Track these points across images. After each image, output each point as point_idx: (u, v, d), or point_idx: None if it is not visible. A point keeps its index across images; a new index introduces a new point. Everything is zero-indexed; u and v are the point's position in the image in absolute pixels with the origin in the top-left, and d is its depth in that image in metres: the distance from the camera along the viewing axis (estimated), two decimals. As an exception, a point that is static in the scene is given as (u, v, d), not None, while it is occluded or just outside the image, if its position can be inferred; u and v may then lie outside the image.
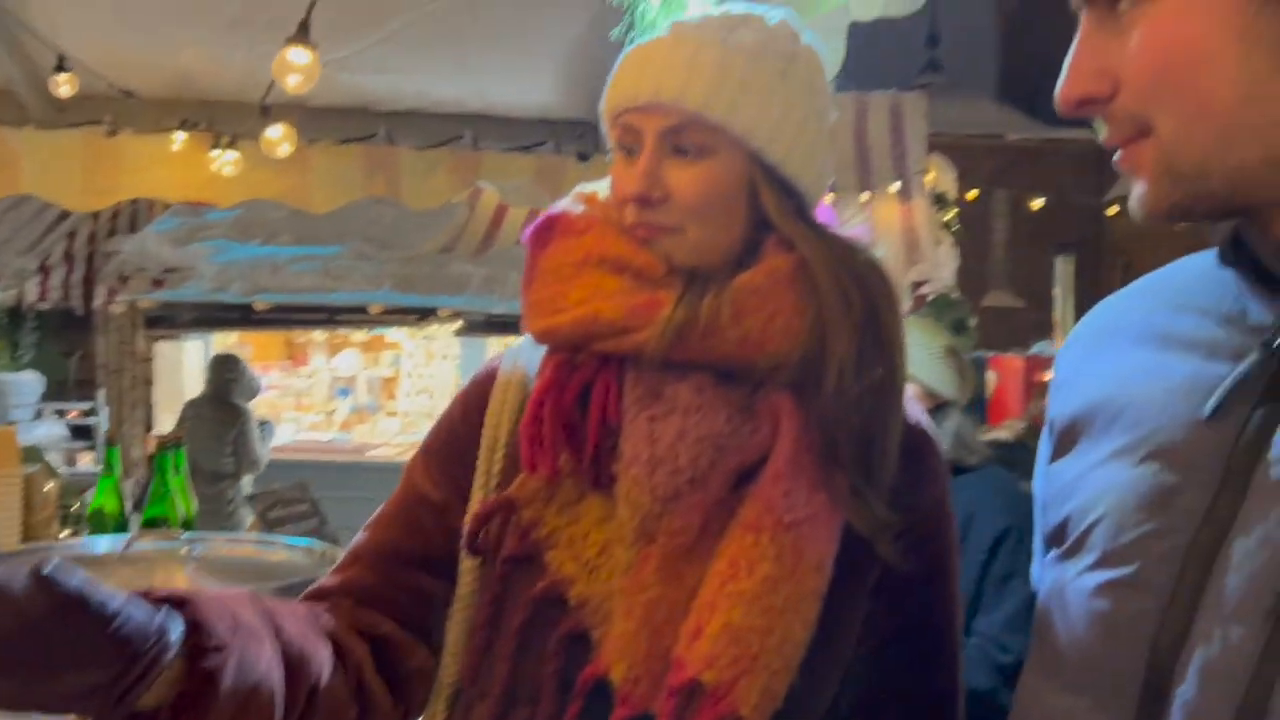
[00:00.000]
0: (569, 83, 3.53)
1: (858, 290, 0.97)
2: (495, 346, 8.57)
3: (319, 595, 1.06)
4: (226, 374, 5.46)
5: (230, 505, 5.20)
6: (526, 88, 3.53)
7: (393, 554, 1.06)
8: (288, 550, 2.18)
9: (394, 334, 8.76)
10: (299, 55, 2.27)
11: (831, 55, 2.27)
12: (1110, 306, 0.88)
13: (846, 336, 0.95)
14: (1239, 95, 0.64)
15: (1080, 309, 18.48)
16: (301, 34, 2.25)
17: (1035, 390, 14.83)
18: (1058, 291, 15.62)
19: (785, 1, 2.03)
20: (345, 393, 8.85)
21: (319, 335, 8.89)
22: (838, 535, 0.96)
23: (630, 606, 0.93)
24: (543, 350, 1.05)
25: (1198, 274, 0.78)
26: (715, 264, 0.98)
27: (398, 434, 8.49)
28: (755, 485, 0.94)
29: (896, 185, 6.68)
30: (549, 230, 1.03)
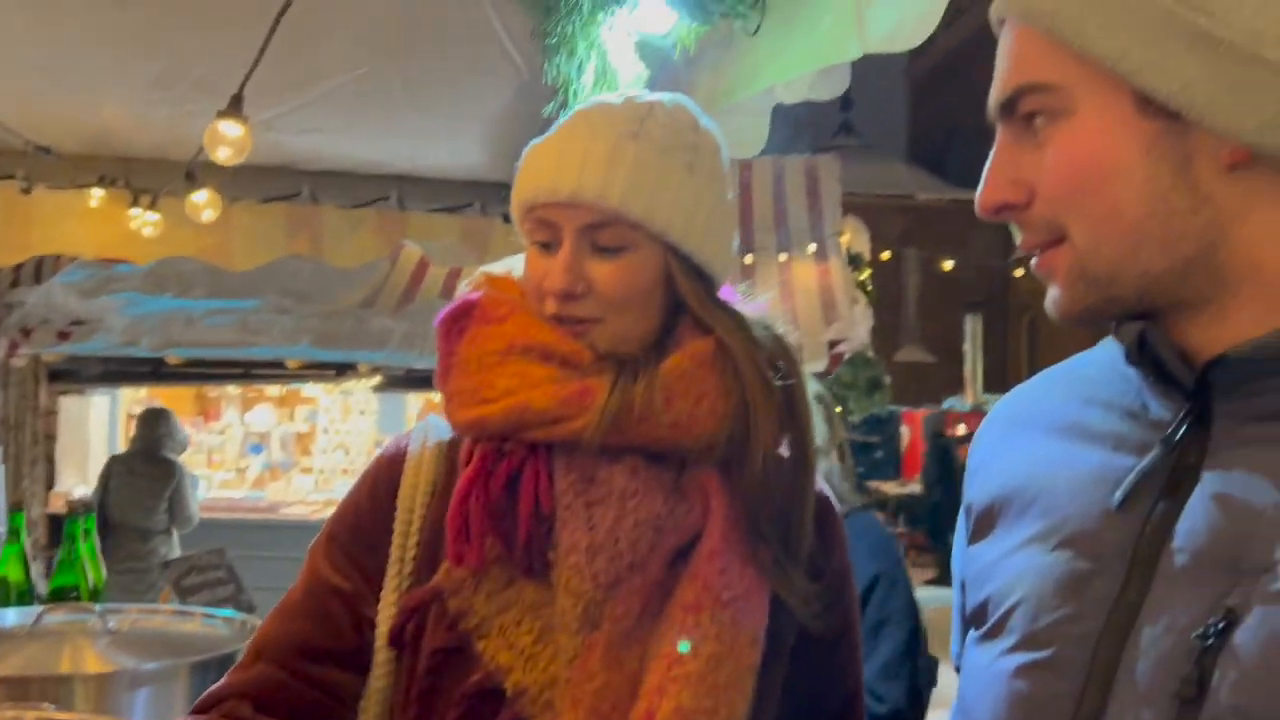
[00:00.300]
0: (497, 147, 3.57)
1: (773, 370, 1.02)
2: (415, 402, 8.49)
3: (216, 699, 1.03)
4: (159, 429, 5.33)
5: (163, 563, 5.04)
6: (455, 151, 3.56)
7: (299, 647, 1.04)
8: (206, 621, 2.13)
9: (310, 389, 8.60)
10: (230, 128, 2.27)
11: (756, 135, 2.36)
12: (1021, 395, 0.93)
13: (769, 417, 1.00)
14: (1145, 208, 0.70)
15: (989, 364, 19.09)
16: (234, 106, 2.25)
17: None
18: (967, 348, 16.12)
19: (716, 84, 2.11)
20: (258, 449, 8.64)
21: (232, 390, 8.68)
22: (767, 607, 1.00)
23: (578, 696, 0.94)
24: (447, 430, 1.07)
25: (1103, 368, 0.83)
26: (635, 349, 1.01)
27: (313, 491, 8.31)
28: (691, 564, 0.98)
29: (813, 246, 6.86)
30: (464, 318, 1.04)
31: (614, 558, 0.96)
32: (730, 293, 1.09)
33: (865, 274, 8.02)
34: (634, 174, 0.98)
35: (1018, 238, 0.79)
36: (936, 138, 31.53)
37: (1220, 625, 0.66)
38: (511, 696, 0.96)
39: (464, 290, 1.08)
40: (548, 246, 1.00)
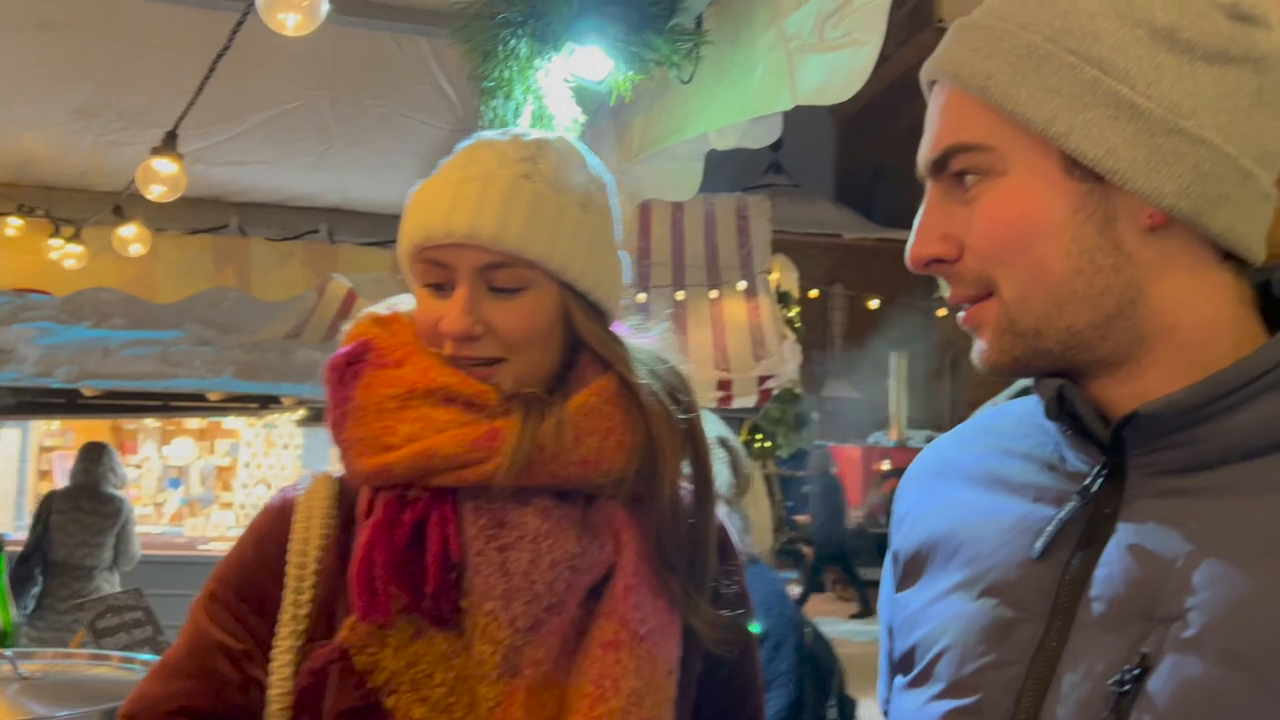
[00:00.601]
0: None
1: (674, 403, 1.03)
2: (341, 435, 8.32)
3: None
4: (102, 464, 5.11)
5: None
6: (387, 184, 3.54)
7: (180, 710, 1.00)
8: (122, 666, 2.07)
9: (232, 422, 8.41)
10: (165, 165, 2.23)
11: (689, 180, 2.40)
12: (943, 447, 0.96)
13: (674, 449, 1.01)
14: (1071, 265, 0.73)
15: (913, 401, 19.39)
16: (168, 144, 2.21)
17: (874, 479, 15.36)
18: (892, 384, 16.41)
19: (649, 129, 2.15)
20: (176, 483, 8.41)
21: (151, 422, 8.45)
22: (680, 638, 1.01)
23: None
24: (338, 475, 1.04)
25: (1020, 422, 0.87)
26: (539, 388, 1.00)
27: (233, 527, 8.10)
28: (606, 601, 0.97)
29: (743, 284, 6.96)
30: (358, 362, 1.00)
31: (531, 601, 0.95)
32: (621, 328, 1.09)
33: (794, 311, 8.16)
34: (531, 213, 0.97)
35: (946, 290, 0.81)
36: (863, 179, 32.24)
37: (1135, 672, 0.69)
38: None
39: (345, 332, 1.05)
40: (441, 288, 0.98)
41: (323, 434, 8.31)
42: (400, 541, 0.94)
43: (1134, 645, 0.70)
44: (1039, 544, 0.76)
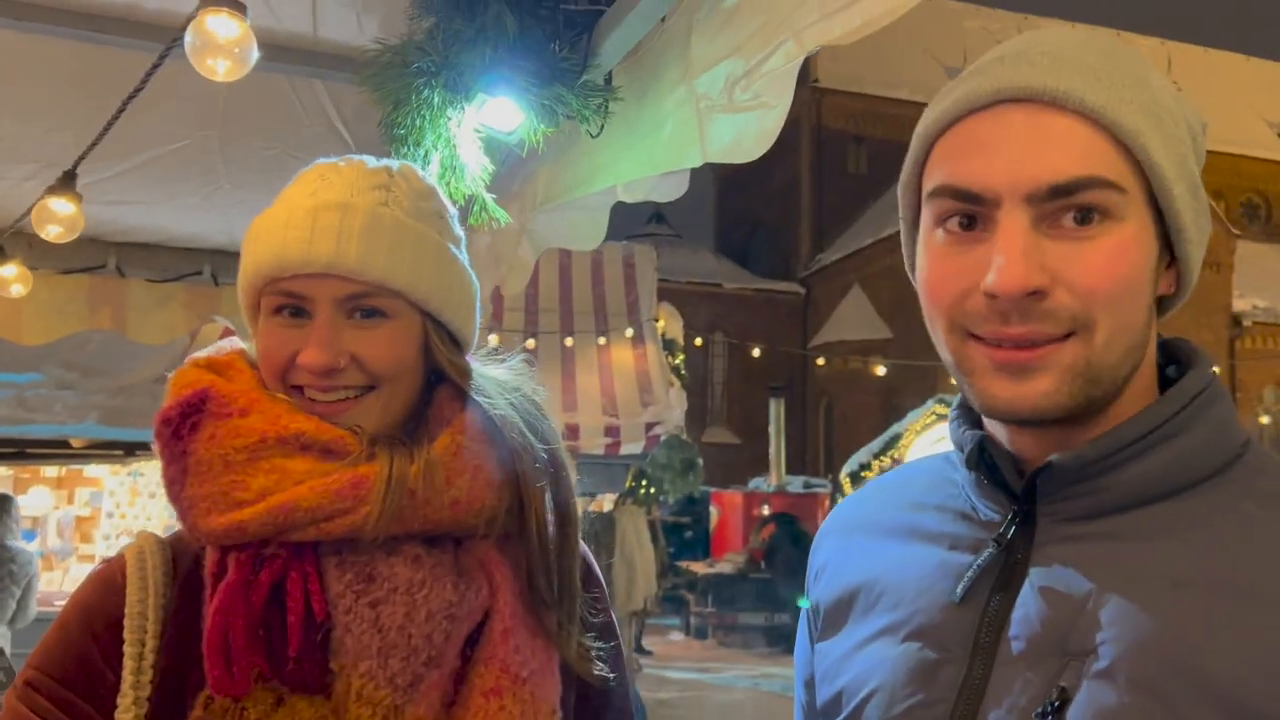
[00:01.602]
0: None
1: (535, 435, 1.02)
2: (212, 483, 7.99)
3: None
4: (5, 517, 4.74)
5: None
6: (275, 227, 3.47)
7: None
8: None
9: (94, 470, 7.99)
10: (62, 205, 2.14)
11: (594, 230, 2.43)
12: (856, 503, 1.01)
13: (533, 480, 1.00)
14: (1145, 320, 0.78)
15: (790, 445, 19.69)
16: (67, 182, 2.12)
17: (754, 523, 15.53)
18: (772, 430, 16.76)
19: (556, 180, 2.17)
20: (31, 536, 7.92)
21: (3, 470, 7.95)
22: (558, 675, 1.00)
23: None
24: (166, 535, 0.98)
25: (929, 476, 0.92)
26: (397, 427, 0.98)
27: (93, 581, 7.65)
28: (485, 647, 0.95)
29: (630, 331, 7.05)
30: (195, 414, 0.94)
31: (409, 656, 0.90)
32: (472, 360, 1.06)
33: (680, 359, 8.29)
34: (394, 243, 0.95)
35: (1017, 327, 0.75)
36: (741, 232, 33.12)
37: (1056, 704, 0.74)
38: None
39: (167, 387, 0.98)
40: (295, 315, 0.95)
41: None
42: (257, 604, 0.88)
43: (1052, 679, 0.75)
44: (959, 589, 0.81)
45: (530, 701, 0.95)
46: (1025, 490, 0.80)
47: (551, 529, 1.02)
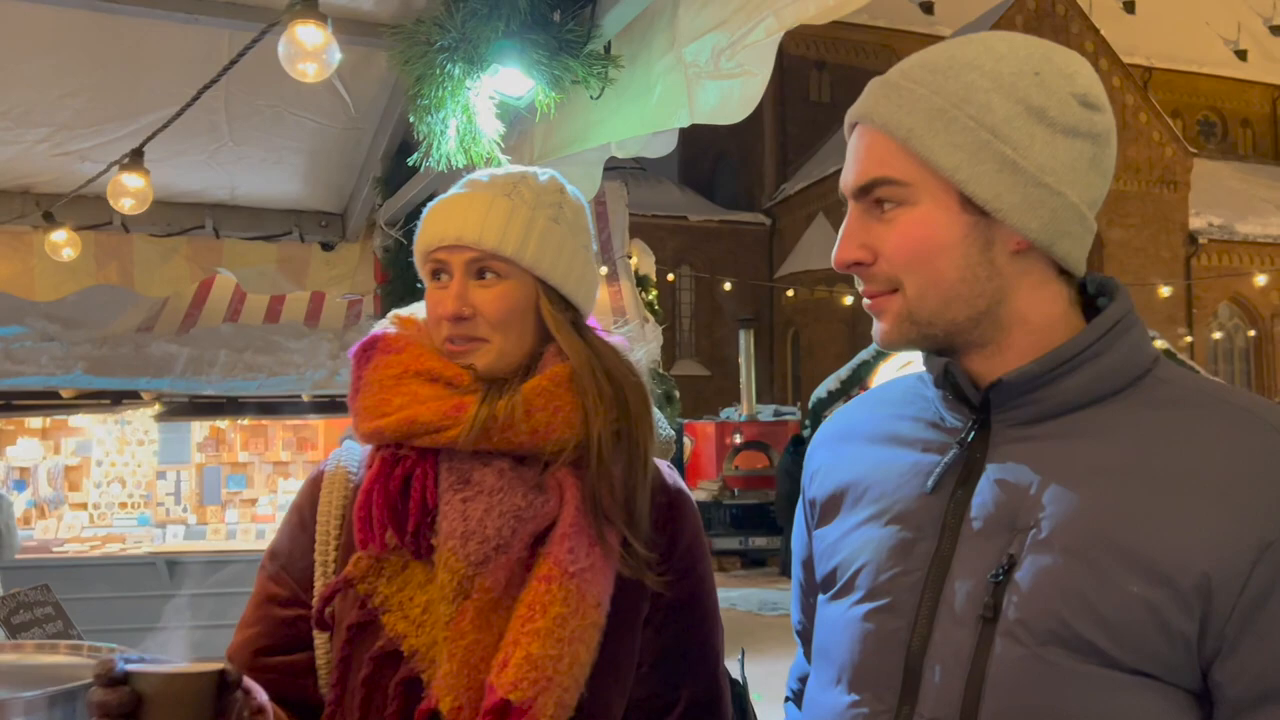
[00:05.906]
0: (318, 177, 3.63)
1: (610, 386, 1.26)
2: (199, 430, 8.13)
3: None
4: None
5: None
6: (274, 180, 3.59)
7: (256, 649, 1.25)
8: (71, 654, 2.13)
9: (79, 419, 8.07)
10: (133, 180, 2.30)
11: (588, 184, 2.62)
12: (843, 416, 1.22)
13: (600, 422, 1.24)
14: (958, 275, 0.98)
15: (760, 375, 19.89)
16: (136, 159, 2.28)
17: (727, 452, 15.78)
18: (742, 360, 16.94)
19: (551, 137, 2.34)
20: (22, 486, 8.03)
21: (-10, 423, 8.03)
22: (613, 578, 1.24)
23: (453, 651, 1.16)
24: (358, 451, 1.29)
25: (905, 393, 1.13)
26: (509, 372, 1.24)
27: (88, 527, 7.80)
28: (546, 545, 1.21)
29: (604, 269, 7.17)
30: (371, 349, 1.26)
31: (483, 541, 1.17)
32: (595, 324, 1.32)
33: (653, 294, 8.45)
34: (505, 221, 1.22)
35: (861, 286, 1.05)
36: (704, 163, 32.87)
37: (1006, 568, 0.92)
38: (407, 657, 1.17)
39: (378, 327, 1.29)
40: (439, 277, 1.24)
41: (180, 429, 8.05)
42: (392, 489, 1.19)
43: (1003, 549, 0.93)
44: (930, 482, 1.01)
45: (575, 591, 1.18)
46: (982, 402, 1.00)
47: (621, 466, 1.25)
